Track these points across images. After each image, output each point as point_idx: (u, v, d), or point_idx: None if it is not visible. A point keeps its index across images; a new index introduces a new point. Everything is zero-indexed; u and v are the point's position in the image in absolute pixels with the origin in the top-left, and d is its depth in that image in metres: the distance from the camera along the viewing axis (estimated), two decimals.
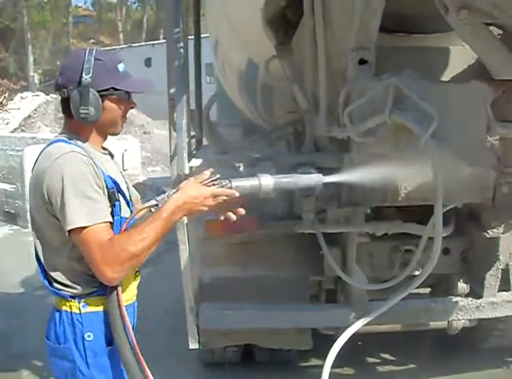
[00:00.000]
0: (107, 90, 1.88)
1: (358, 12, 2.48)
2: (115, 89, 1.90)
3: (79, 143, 1.90)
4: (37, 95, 17.70)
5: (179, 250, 2.77)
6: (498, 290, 3.41)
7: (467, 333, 3.71)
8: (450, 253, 3.45)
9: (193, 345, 3.07)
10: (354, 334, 3.29)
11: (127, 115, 2.02)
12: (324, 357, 3.02)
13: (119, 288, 1.84)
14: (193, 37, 3.72)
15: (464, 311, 3.38)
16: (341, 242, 3.31)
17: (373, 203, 3.04)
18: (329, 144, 2.94)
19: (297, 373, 3.93)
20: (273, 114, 5.14)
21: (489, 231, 3.20)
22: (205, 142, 4.32)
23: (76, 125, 1.92)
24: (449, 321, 3.48)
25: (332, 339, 3.10)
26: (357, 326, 3.00)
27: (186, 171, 2.54)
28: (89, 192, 1.77)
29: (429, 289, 3.89)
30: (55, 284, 1.88)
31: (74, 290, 1.87)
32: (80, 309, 1.87)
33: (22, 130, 14.57)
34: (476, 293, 3.42)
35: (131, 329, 1.88)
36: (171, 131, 2.56)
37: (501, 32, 2.33)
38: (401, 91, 2.38)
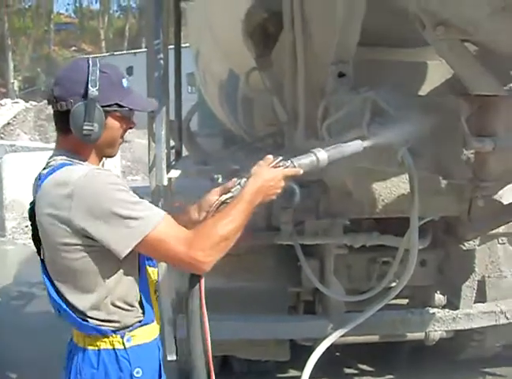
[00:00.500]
0: (110, 106, 1.70)
1: (337, 26, 2.52)
2: (119, 106, 1.72)
3: (81, 162, 1.72)
4: (16, 102, 17.57)
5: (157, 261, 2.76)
6: (475, 302, 3.46)
7: (444, 344, 3.74)
8: (427, 264, 3.50)
9: (171, 356, 3.05)
10: (332, 345, 3.31)
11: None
12: (301, 368, 3.04)
13: (202, 281, 1.74)
14: (173, 47, 3.73)
15: (440, 322, 3.41)
16: (319, 253, 3.32)
17: (350, 215, 3.08)
18: None
19: None
20: (254, 126, 5.16)
21: (465, 244, 3.24)
22: (185, 153, 4.33)
23: (74, 144, 1.72)
24: (426, 332, 3.51)
25: (309, 350, 3.13)
26: (334, 337, 3.03)
27: (165, 182, 2.54)
28: (132, 197, 1.65)
29: (407, 300, 3.92)
30: (92, 321, 1.69)
31: (116, 324, 1.72)
32: (124, 344, 1.72)
33: (1, 138, 14.45)
34: (452, 304, 3.46)
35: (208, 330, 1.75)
36: (150, 142, 2.56)
37: (476, 49, 2.39)
38: (379, 105, 2.42)
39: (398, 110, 2.39)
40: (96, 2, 41.06)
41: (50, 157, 1.75)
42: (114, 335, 1.70)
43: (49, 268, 1.72)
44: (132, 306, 1.75)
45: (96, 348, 1.71)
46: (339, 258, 3.28)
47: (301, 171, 1.87)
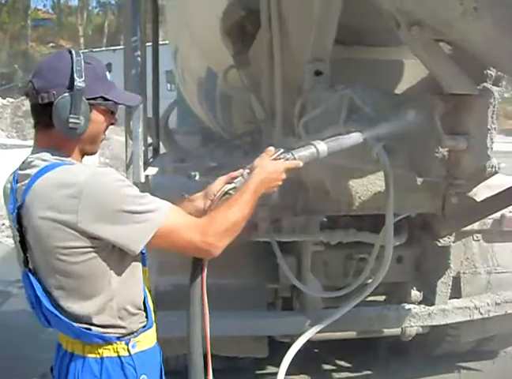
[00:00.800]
0: (95, 99, 1.61)
1: (314, 25, 2.54)
2: (104, 99, 1.64)
3: (68, 160, 1.62)
4: None
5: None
6: (450, 298, 3.51)
7: (420, 340, 3.78)
8: (404, 261, 3.54)
9: None
10: (310, 342, 3.34)
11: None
12: (279, 364, 3.05)
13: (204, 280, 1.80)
14: (151, 44, 3.72)
15: (416, 318, 3.45)
16: (297, 250, 3.34)
17: (328, 212, 3.10)
18: None
19: None
20: (232, 123, 5.18)
21: (440, 240, 3.28)
22: (162, 150, 4.32)
23: (56, 139, 1.61)
24: (402, 328, 3.54)
25: (287, 347, 3.14)
26: (311, 333, 3.05)
27: (142, 179, 2.55)
28: (137, 191, 1.62)
29: (384, 297, 3.96)
30: (95, 328, 1.61)
31: (122, 330, 1.66)
32: (129, 351, 1.65)
33: None
34: (428, 300, 3.50)
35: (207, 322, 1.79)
36: (127, 139, 2.55)
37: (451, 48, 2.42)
38: (355, 103, 2.45)
39: (374, 108, 2.42)
40: None
41: (31, 156, 1.63)
42: (118, 341, 1.64)
43: (43, 275, 1.60)
44: (139, 309, 1.72)
45: (98, 356, 1.62)
46: (316, 255, 3.30)
47: (301, 163, 1.93)
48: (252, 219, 1.82)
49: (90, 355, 1.62)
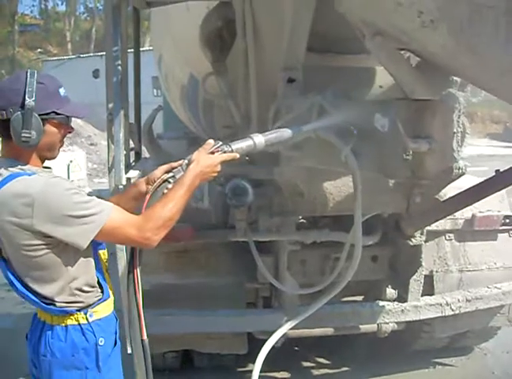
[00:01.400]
0: (48, 114, 1.88)
1: (286, 34, 2.67)
2: (57, 113, 1.90)
3: (26, 168, 1.90)
4: None
5: (117, 258, 2.86)
6: (423, 295, 3.64)
7: (396, 336, 3.91)
8: (378, 260, 3.67)
9: (130, 349, 3.15)
10: (290, 340, 3.45)
11: (74, 127, 2.05)
12: None
13: (136, 263, 1.97)
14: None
15: (390, 314, 3.58)
16: (274, 250, 3.47)
17: (302, 213, 3.23)
18: (261, 157, 3.09)
19: (236, 377, 4.06)
20: (214, 128, 5.29)
21: (412, 240, 3.42)
22: (145, 154, 4.43)
23: (15, 149, 1.89)
24: (378, 325, 3.67)
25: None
26: (286, 328, 3.17)
27: (124, 182, 2.66)
28: (84, 197, 1.87)
29: (362, 296, 4.08)
30: (58, 304, 1.93)
31: (80, 304, 1.96)
32: (88, 320, 1.97)
33: None
34: (401, 297, 3.63)
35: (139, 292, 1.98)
36: (109, 144, 2.67)
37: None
38: (325, 109, 2.58)
39: (343, 113, 2.56)
40: (62, 4, 40.58)
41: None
42: (78, 313, 1.95)
43: (14, 265, 1.92)
44: (93, 287, 2.00)
45: (63, 325, 1.95)
46: (293, 254, 3.42)
47: (237, 155, 2.08)
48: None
49: (57, 324, 1.95)
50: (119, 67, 2.64)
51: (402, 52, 2.45)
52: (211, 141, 2.07)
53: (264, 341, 3.40)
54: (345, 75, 3.07)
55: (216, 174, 2.06)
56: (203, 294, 3.48)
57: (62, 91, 1.95)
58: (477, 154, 16.43)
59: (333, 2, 2.43)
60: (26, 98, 1.81)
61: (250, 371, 3.99)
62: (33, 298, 1.92)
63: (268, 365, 3.23)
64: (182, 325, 3.40)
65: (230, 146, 2.06)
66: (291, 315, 3.32)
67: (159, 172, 2.09)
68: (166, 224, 1.90)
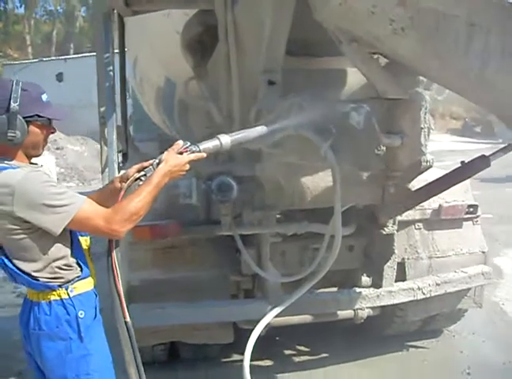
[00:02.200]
0: (31, 116, 2.14)
1: (266, 39, 2.86)
2: (39, 116, 2.17)
3: (11, 163, 2.14)
4: None
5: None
6: (396, 281, 3.87)
7: (371, 322, 4.13)
8: (354, 250, 3.89)
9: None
10: (272, 328, 3.63)
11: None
12: (244, 352, 3.31)
13: (113, 254, 2.18)
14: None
15: (366, 300, 3.80)
16: (256, 242, 3.65)
17: (283, 206, 3.42)
18: (243, 154, 3.28)
19: (221, 367, 4.22)
20: (189, 129, 5.45)
21: (386, 229, 3.63)
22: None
23: (3, 147, 2.14)
24: (355, 311, 3.89)
25: (251, 334, 3.42)
26: (272, 315, 3.36)
27: None
28: (59, 189, 2.12)
29: (338, 286, 4.27)
30: (41, 279, 2.19)
31: (61, 280, 2.22)
32: (69, 294, 2.22)
33: None
34: (376, 284, 3.85)
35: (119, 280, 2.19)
36: (102, 146, 2.83)
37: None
38: (304, 109, 2.78)
39: (321, 113, 2.77)
40: (21, 6, 39.88)
41: None
42: (60, 288, 2.21)
43: (5, 248, 2.19)
44: (70, 266, 2.25)
45: (48, 300, 2.21)
46: (274, 246, 3.61)
47: (205, 155, 2.29)
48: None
49: (43, 300, 2.21)
50: (111, 73, 2.79)
51: (375, 56, 2.68)
52: (180, 142, 2.27)
53: (247, 330, 3.58)
54: (321, 76, 3.28)
55: (184, 173, 2.26)
56: (190, 287, 3.64)
57: (44, 96, 2.21)
58: (439, 149, 16.90)
59: (311, 10, 2.62)
60: (11, 103, 2.07)
61: (235, 361, 4.22)
62: (22, 274, 2.18)
63: (251, 354, 3.36)
64: (171, 317, 3.56)
65: (198, 146, 2.25)
66: (275, 304, 3.50)
67: (132, 171, 2.30)
68: (132, 217, 2.12)
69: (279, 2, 2.72)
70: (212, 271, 3.72)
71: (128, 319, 2.18)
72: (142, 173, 2.22)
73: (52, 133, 2.29)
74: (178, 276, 3.65)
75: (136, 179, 2.21)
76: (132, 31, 5.54)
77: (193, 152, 2.24)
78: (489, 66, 2.12)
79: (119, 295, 2.17)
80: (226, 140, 2.32)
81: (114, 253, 2.19)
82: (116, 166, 2.81)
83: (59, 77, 20.60)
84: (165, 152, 2.23)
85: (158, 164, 2.19)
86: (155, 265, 3.66)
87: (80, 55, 22.93)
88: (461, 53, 2.14)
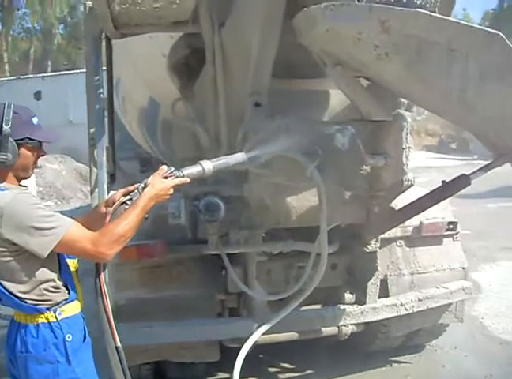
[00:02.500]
0: (22, 139, 2.17)
1: (253, 62, 2.93)
2: (30, 139, 2.19)
3: (1, 185, 2.15)
4: None
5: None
6: (379, 297, 3.93)
7: (355, 338, 4.18)
8: (337, 267, 3.95)
9: None
10: (257, 347, 3.66)
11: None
12: (230, 370, 3.35)
13: (102, 276, 2.20)
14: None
15: (351, 316, 3.86)
16: (242, 261, 3.69)
17: (269, 225, 3.47)
18: (231, 175, 3.33)
19: None
20: (173, 149, 5.50)
21: (368, 247, 3.71)
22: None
23: None
24: (339, 328, 3.94)
25: (237, 352, 3.43)
26: (259, 334, 3.39)
27: None
28: (47, 212, 2.13)
29: (322, 303, 4.32)
30: (29, 302, 2.19)
31: (49, 302, 2.21)
32: (56, 317, 2.22)
33: None
34: (360, 300, 3.91)
35: (108, 303, 2.21)
36: (91, 167, 2.86)
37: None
38: (290, 130, 2.85)
39: (307, 134, 2.84)
40: None
41: None
42: (48, 311, 2.20)
43: None
44: (58, 288, 2.25)
45: (35, 323, 2.20)
46: (260, 265, 3.66)
47: (188, 180, 2.34)
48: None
49: (30, 323, 2.21)
50: (101, 95, 2.84)
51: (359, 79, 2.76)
52: (164, 167, 2.32)
53: (234, 349, 3.61)
54: (305, 98, 3.36)
55: (168, 197, 2.31)
56: (176, 306, 3.66)
57: (34, 120, 2.25)
58: (415, 166, 17.11)
59: (295, 33, 2.70)
60: (3, 125, 2.10)
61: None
62: (9, 296, 2.17)
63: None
64: (158, 336, 3.58)
65: (181, 171, 2.31)
66: (261, 322, 3.54)
67: (117, 195, 2.33)
68: (119, 240, 2.14)
69: (266, 26, 2.79)
70: (198, 290, 3.74)
71: (118, 343, 2.19)
72: (128, 197, 2.26)
73: (42, 155, 2.31)
74: (165, 295, 3.67)
75: (122, 203, 2.24)
76: (115, 52, 5.60)
77: (177, 177, 2.29)
78: (468, 90, 2.21)
79: (109, 319, 2.18)
80: (208, 166, 2.38)
81: (102, 276, 2.21)
82: (106, 187, 2.84)
83: (37, 96, 20.45)
84: (150, 177, 2.27)
85: (144, 188, 2.23)
86: (141, 285, 3.67)
87: (58, 73, 22.86)
88: (442, 77, 2.24)
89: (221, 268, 3.75)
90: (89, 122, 2.85)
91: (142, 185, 2.25)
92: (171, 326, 3.61)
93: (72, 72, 22.47)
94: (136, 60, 4.75)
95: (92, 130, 2.84)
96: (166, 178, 2.28)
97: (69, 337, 2.22)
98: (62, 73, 22.85)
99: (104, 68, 3.41)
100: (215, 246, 3.41)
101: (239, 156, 2.60)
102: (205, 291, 3.76)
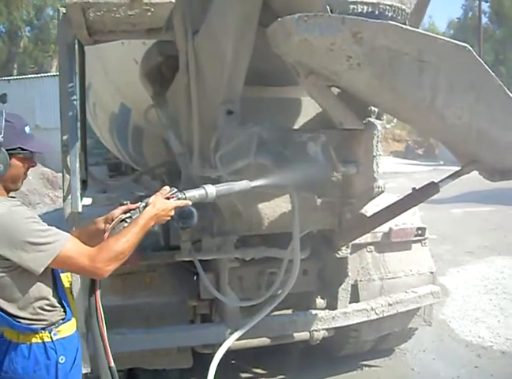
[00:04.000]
0: (14, 149, 2.09)
1: (226, 70, 2.95)
2: (22, 149, 2.11)
3: None
4: None
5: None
6: (350, 302, 3.99)
7: (327, 343, 4.23)
8: (309, 273, 3.99)
9: (86, 369, 3.28)
10: (229, 353, 3.67)
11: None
12: (203, 376, 3.35)
13: (98, 292, 2.17)
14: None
15: (322, 321, 3.90)
16: (215, 267, 3.71)
17: (241, 232, 3.49)
18: (202, 182, 3.33)
19: None
20: (143, 155, 5.50)
21: (339, 252, 3.76)
22: None
23: None
24: (310, 333, 3.97)
25: (209, 358, 3.45)
26: (232, 339, 3.41)
27: (80, 209, 2.84)
28: (42, 226, 2.06)
29: (293, 309, 4.35)
30: (24, 321, 2.10)
31: (44, 322, 2.14)
32: (51, 338, 2.13)
33: None
34: (331, 306, 3.96)
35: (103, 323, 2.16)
36: (64, 174, 2.85)
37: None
38: (263, 138, 2.88)
39: (279, 142, 2.87)
40: None
41: None
42: (43, 331, 2.12)
43: None
44: (55, 307, 2.17)
45: (28, 343, 2.11)
46: (232, 271, 3.68)
47: (190, 203, 2.33)
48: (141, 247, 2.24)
49: (22, 342, 2.11)
50: (74, 102, 2.83)
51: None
52: (167, 188, 2.31)
53: (206, 355, 3.62)
54: (276, 105, 3.39)
55: (169, 218, 2.28)
56: (149, 313, 3.66)
57: (27, 129, 2.17)
58: (383, 172, 17.28)
59: (268, 42, 2.73)
60: None
61: None
62: (2, 315, 2.08)
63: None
64: (131, 343, 3.55)
65: (184, 194, 2.31)
66: (233, 328, 3.56)
67: (117, 212, 2.28)
68: (118, 257, 2.09)
69: (240, 34, 2.81)
70: (171, 296, 3.75)
71: (112, 364, 2.15)
72: (128, 214, 2.23)
73: (33, 166, 2.23)
74: (137, 302, 3.67)
75: (121, 221, 2.21)
76: (85, 56, 5.57)
77: (179, 199, 2.29)
78: (437, 100, 2.27)
79: (103, 340, 2.13)
80: (211, 190, 2.39)
81: (98, 295, 2.17)
82: (79, 193, 2.83)
83: (3, 98, 20.08)
84: (152, 196, 2.26)
85: (145, 207, 2.21)
86: (114, 292, 3.65)
87: (24, 76, 22.52)
88: (412, 87, 2.29)
89: (193, 275, 3.76)
90: (62, 129, 2.83)
91: (143, 203, 2.24)
92: (144, 333, 3.59)
93: (39, 75, 22.22)
94: (107, 65, 4.75)
95: (64, 137, 2.82)
96: (168, 198, 2.26)
97: (62, 359, 2.14)
98: (29, 76, 22.54)
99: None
100: (188, 253, 3.42)
101: (244, 184, 2.61)
102: (177, 298, 3.77)
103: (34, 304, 2.11)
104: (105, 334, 2.13)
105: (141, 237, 2.16)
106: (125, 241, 2.09)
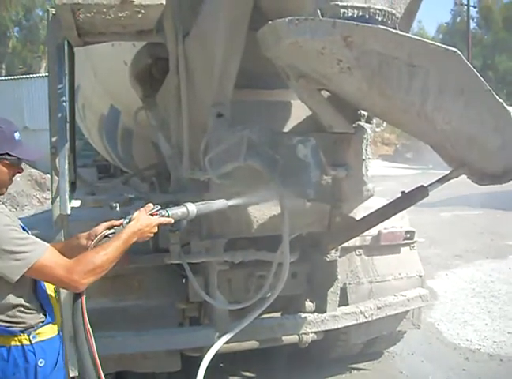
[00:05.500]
0: (1, 155, 2.08)
1: (216, 73, 2.95)
2: (9, 155, 2.10)
3: None
4: None
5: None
6: (339, 305, 3.99)
7: (316, 346, 4.23)
8: (298, 276, 3.98)
9: (73, 373, 3.26)
10: (217, 356, 3.66)
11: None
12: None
13: (83, 297, 2.14)
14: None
15: (311, 325, 3.89)
16: (204, 270, 3.68)
17: (230, 235, 3.49)
18: (192, 184, 3.34)
19: None
20: (132, 157, 5.48)
21: (328, 256, 3.76)
22: None
23: None
24: (299, 336, 3.96)
25: (198, 361, 3.43)
26: (221, 343, 3.40)
27: (68, 211, 2.82)
28: (20, 234, 2.05)
29: (282, 312, 4.35)
30: (2, 323, 2.08)
31: (23, 325, 2.12)
32: (30, 341, 2.11)
33: None
34: (320, 309, 3.95)
35: (90, 331, 2.17)
36: (52, 176, 2.83)
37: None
38: (253, 141, 2.88)
39: (269, 145, 2.87)
40: None
41: None
42: (21, 334, 2.10)
43: None
44: (33, 310, 2.15)
45: (7, 346, 2.09)
46: (221, 274, 3.66)
47: (172, 221, 2.38)
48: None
49: (1, 345, 2.09)
50: (64, 104, 2.82)
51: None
52: (150, 205, 2.33)
53: (195, 358, 3.60)
54: (266, 108, 3.40)
55: (152, 235, 2.28)
56: (137, 315, 3.64)
57: (17, 135, 2.17)
58: (372, 175, 17.33)
59: (258, 45, 2.73)
60: None
61: None
62: None
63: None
64: (119, 346, 3.53)
65: (167, 211, 2.35)
66: (222, 331, 3.55)
67: (101, 228, 2.28)
68: (95, 270, 2.07)
69: (230, 37, 2.82)
70: (160, 299, 3.73)
71: (102, 375, 2.15)
72: (112, 230, 2.23)
73: (19, 172, 2.22)
74: (126, 305, 3.65)
75: (104, 237, 2.21)
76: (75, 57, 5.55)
77: (162, 216, 2.31)
78: (427, 104, 2.28)
79: (92, 353, 2.13)
80: (192, 209, 2.45)
81: (85, 312, 2.15)
82: (68, 195, 2.81)
83: None
84: (136, 212, 2.26)
85: (128, 223, 2.22)
86: (102, 294, 3.62)
87: (13, 77, 22.40)
88: (402, 91, 2.30)
89: (182, 278, 3.74)
90: (51, 131, 2.82)
91: (127, 219, 2.24)
92: (132, 336, 3.57)
93: (28, 76, 22.10)
94: (97, 67, 4.73)
95: (53, 139, 2.81)
96: (152, 215, 2.28)
97: (41, 362, 2.12)
98: (18, 77, 22.42)
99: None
100: (177, 256, 3.41)
101: (221, 203, 2.70)
102: (166, 301, 3.75)
103: (11, 308, 2.10)
104: (94, 348, 2.14)
105: (122, 251, 2.15)
106: (104, 254, 2.08)
